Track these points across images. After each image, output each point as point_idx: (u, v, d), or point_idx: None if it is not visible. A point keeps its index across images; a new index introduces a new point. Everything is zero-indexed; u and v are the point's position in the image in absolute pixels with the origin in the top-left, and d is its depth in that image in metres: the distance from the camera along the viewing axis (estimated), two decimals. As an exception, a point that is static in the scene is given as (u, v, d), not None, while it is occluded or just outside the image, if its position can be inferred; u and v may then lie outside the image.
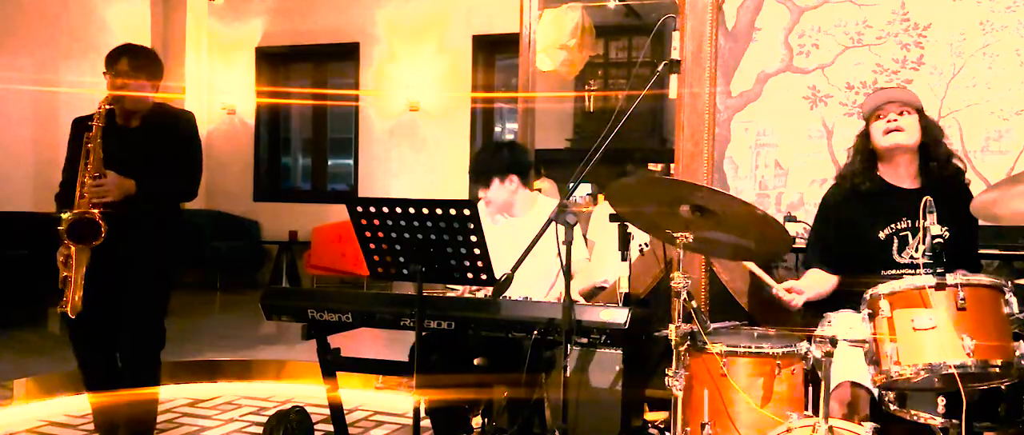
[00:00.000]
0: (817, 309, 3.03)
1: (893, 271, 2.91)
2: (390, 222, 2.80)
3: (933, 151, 2.95)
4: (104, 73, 3.42)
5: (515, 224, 3.52)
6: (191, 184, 3.60)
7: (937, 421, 2.41)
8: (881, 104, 2.98)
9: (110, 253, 3.28)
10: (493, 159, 3.55)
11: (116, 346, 3.48)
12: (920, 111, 2.97)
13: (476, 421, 3.49)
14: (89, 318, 3.31)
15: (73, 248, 3.23)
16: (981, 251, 3.18)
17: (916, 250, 2.90)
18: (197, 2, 10.03)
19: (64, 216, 3.20)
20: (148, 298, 3.50)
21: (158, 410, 3.75)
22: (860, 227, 3.00)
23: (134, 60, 3.42)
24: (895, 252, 2.96)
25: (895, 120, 2.93)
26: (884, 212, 2.97)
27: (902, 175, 3.00)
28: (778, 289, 2.87)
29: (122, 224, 3.27)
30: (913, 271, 2.86)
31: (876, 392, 2.63)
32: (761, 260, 3.09)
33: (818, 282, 3.01)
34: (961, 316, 2.29)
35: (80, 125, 3.48)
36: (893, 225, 2.96)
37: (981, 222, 2.88)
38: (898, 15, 3.66)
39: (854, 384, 2.64)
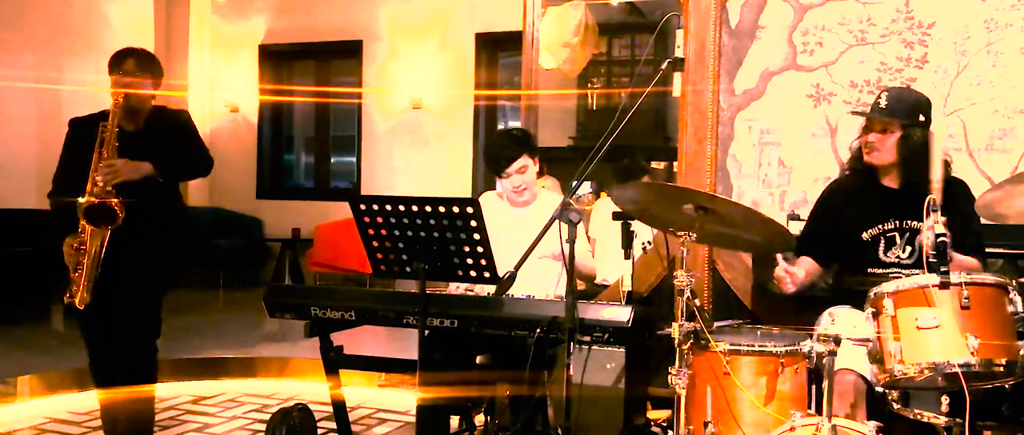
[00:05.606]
0: (818, 306, 3.04)
1: (879, 270, 2.96)
2: (393, 220, 2.80)
3: (913, 165, 2.89)
4: (110, 73, 3.49)
5: (526, 213, 3.51)
6: (203, 159, 3.68)
7: (941, 420, 2.41)
8: (868, 117, 3.00)
9: (113, 245, 3.32)
10: (519, 140, 3.51)
11: (116, 335, 3.51)
12: (906, 126, 2.91)
13: (479, 419, 3.49)
14: (98, 307, 3.36)
15: (88, 231, 3.27)
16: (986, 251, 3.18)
17: (903, 250, 2.93)
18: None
19: (81, 200, 3.25)
20: (147, 289, 3.55)
21: (159, 407, 3.76)
22: (848, 228, 3.04)
23: (141, 61, 3.51)
24: (880, 252, 2.99)
25: (872, 141, 2.96)
26: (871, 214, 3.00)
27: (891, 179, 3.03)
28: (780, 267, 2.89)
29: (128, 215, 3.30)
30: (899, 270, 2.92)
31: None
32: (766, 252, 3.11)
33: (809, 269, 3.04)
34: (965, 315, 2.28)
35: (78, 124, 3.55)
36: (879, 226, 2.99)
37: (984, 221, 2.88)
38: (902, 13, 3.65)
39: (856, 374, 2.64)
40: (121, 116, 3.41)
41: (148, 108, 3.56)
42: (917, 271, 2.83)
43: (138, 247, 3.41)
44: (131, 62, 3.48)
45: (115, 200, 3.26)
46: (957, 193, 2.91)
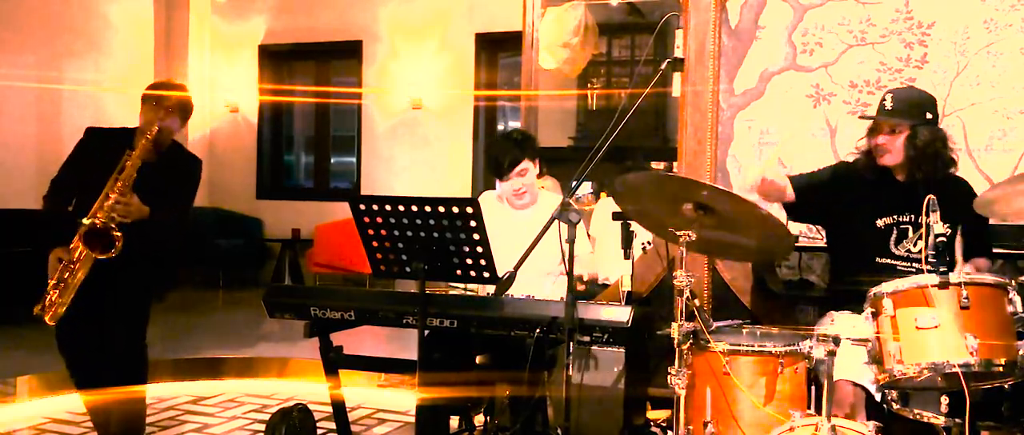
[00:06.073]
0: (817, 307, 3.04)
1: (887, 260, 2.96)
2: (393, 220, 2.80)
3: (920, 163, 2.94)
4: (143, 102, 3.51)
5: (526, 215, 3.51)
6: (182, 229, 3.73)
7: (940, 420, 2.41)
8: (875, 121, 3.01)
9: (105, 265, 3.32)
10: (520, 143, 3.51)
11: (102, 345, 3.50)
12: (914, 126, 2.93)
13: (479, 419, 3.49)
14: (80, 322, 3.38)
15: (80, 252, 3.27)
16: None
17: (914, 244, 2.93)
18: (200, -1, 10.05)
19: (85, 221, 3.26)
20: (135, 303, 3.57)
21: (159, 408, 3.76)
22: (860, 213, 3.03)
23: (180, 100, 3.56)
24: (892, 243, 2.98)
25: (882, 144, 2.97)
26: (885, 203, 3.00)
27: (903, 176, 3.03)
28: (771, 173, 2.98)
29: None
30: (908, 263, 2.92)
31: (874, 390, 2.63)
32: (763, 260, 3.10)
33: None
34: (965, 315, 2.29)
35: (96, 137, 3.58)
36: (894, 216, 2.99)
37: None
38: (902, 13, 3.65)
39: (853, 384, 2.64)
40: (149, 149, 3.42)
41: (168, 142, 3.59)
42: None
43: (129, 269, 3.40)
44: (172, 100, 3.51)
45: (117, 233, 3.27)
46: (963, 194, 2.91)
